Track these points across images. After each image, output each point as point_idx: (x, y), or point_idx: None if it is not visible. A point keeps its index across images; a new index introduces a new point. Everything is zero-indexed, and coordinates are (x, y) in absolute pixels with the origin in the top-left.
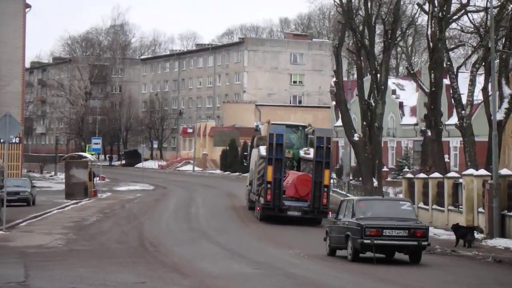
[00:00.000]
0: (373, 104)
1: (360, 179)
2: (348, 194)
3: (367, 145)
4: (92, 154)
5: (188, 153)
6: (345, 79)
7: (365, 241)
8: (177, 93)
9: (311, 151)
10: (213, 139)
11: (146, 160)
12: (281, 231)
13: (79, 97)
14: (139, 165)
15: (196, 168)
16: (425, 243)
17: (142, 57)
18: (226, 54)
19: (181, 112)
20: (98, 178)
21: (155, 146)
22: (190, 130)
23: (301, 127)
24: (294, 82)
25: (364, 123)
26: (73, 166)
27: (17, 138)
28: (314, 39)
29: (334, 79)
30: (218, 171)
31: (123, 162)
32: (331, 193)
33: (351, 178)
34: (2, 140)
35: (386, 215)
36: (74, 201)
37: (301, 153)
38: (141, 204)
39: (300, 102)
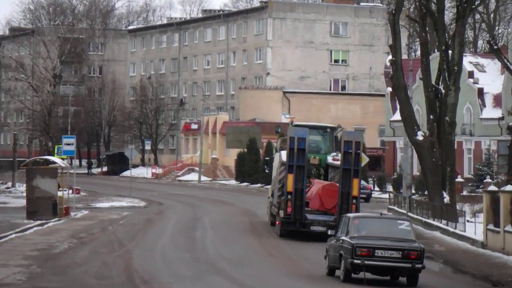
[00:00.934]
0: (443, 91)
1: (426, 193)
2: (409, 214)
3: (435, 147)
4: (63, 159)
5: (192, 157)
6: (404, 57)
7: (355, 261)
8: (177, 76)
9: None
10: (225, 138)
11: (135, 166)
12: (313, 257)
13: (46, 81)
14: (126, 173)
15: (203, 178)
16: (419, 265)
17: (130, 27)
18: (244, 24)
19: (183, 102)
20: (71, 191)
21: (148, 147)
22: (194, 126)
23: (330, 129)
24: (336, 61)
25: (431, 117)
26: (38, 175)
27: None
28: (362, 3)
29: (390, 57)
30: (233, 182)
31: (105, 169)
32: (387, 212)
33: (413, 191)
34: None
35: (381, 235)
36: (39, 222)
37: (329, 159)
38: (128, 226)
39: (343, 88)
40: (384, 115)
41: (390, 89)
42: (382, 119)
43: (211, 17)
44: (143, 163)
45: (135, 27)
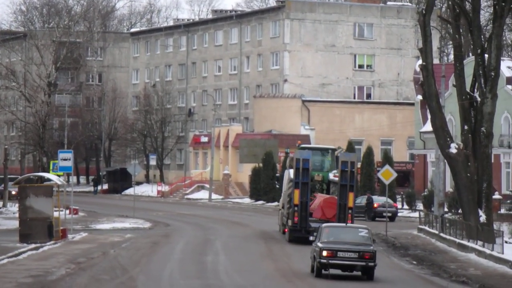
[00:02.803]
0: (479, 99)
1: (460, 211)
2: (441, 234)
3: (470, 161)
4: (59, 175)
5: (202, 174)
6: (436, 61)
7: (322, 260)
8: (185, 83)
9: None
10: (239, 152)
11: (139, 183)
12: (335, 285)
13: (39, 90)
14: (129, 191)
15: (214, 196)
16: (372, 263)
17: (133, 30)
18: (258, 25)
19: (191, 112)
20: (68, 212)
21: (153, 162)
22: (204, 139)
23: (331, 150)
24: (360, 66)
25: (466, 127)
26: (31, 194)
27: None
28: (389, 3)
29: (420, 61)
30: (247, 200)
31: (105, 187)
32: (423, 235)
33: (446, 210)
34: None
35: (345, 240)
36: (33, 246)
37: (330, 176)
38: (132, 249)
39: (369, 96)
40: (413, 126)
41: (420, 97)
42: (412, 130)
43: (222, 18)
44: (147, 180)
45: (138, 29)
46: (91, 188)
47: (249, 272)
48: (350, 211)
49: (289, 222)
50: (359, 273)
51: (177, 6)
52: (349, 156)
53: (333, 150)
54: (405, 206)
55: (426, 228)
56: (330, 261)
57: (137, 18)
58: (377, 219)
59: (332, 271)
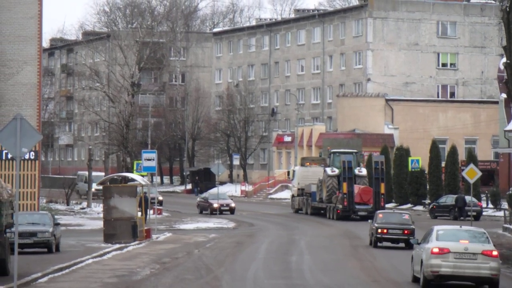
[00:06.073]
0: None
1: None
2: None
3: None
4: (143, 175)
5: (286, 173)
6: None
7: (378, 235)
8: (268, 83)
9: (363, 169)
10: (322, 151)
11: (222, 183)
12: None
13: (123, 90)
14: (213, 190)
15: None
16: (412, 237)
17: (215, 30)
18: (341, 24)
19: (274, 112)
20: (152, 212)
21: (236, 162)
22: (288, 139)
23: (355, 153)
24: (444, 65)
25: None
26: (115, 194)
27: (33, 153)
28: (472, 0)
29: (504, 59)
30: None
31: (189, 186)
32: (508, 234)
33: None
34: (10, 156)
35: (392, 222)
36: (117, 246)
37: (356, 171)
38: (216, 249)
39: (452, 94)
40: (498, 124)
41: (504, 95)
42: (496, 128)
43: (305, 18)
44: (231, 180)
45: (220, 29)
46: (175, 188)
47: (334, 271)
48: (382, 196)
49: (340, 206)
50: (403, 244)
51: (259, 6)
52: (380, 158)
53: (356, 152)
54: (490, 205)
55: (511, 227)
56: (383, 236)
57: (219, 18)
58: (461, 218)
59: (384, 243)
